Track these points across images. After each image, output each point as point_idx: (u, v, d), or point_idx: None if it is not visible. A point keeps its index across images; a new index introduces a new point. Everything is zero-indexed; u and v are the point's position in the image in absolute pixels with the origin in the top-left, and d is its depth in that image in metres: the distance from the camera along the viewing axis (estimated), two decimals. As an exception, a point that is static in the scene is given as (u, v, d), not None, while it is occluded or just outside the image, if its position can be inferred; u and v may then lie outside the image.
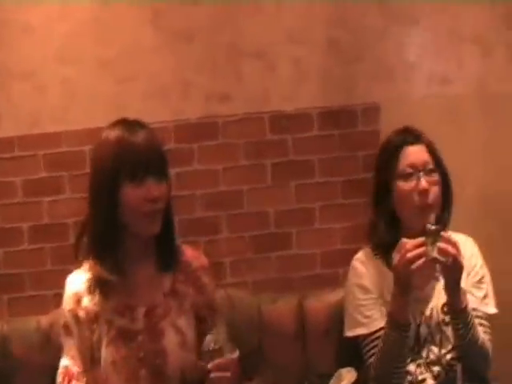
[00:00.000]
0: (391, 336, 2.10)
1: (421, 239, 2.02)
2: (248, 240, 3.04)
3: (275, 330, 2.60)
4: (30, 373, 2.54)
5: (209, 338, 1.78)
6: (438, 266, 2.04)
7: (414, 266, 1.99)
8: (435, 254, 1.99)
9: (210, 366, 1.77)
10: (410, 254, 2.00)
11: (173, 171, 2.93)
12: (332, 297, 2.63)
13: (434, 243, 2.00)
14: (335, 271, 2.99)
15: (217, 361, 1.77)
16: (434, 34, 3.13)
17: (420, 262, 1.99)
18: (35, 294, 2.97)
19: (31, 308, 2.90)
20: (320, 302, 2.66)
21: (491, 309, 2.27)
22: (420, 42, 3.13)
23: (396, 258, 2.06)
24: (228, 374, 1.77)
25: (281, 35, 3.06)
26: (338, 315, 2.50)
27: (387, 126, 2.91)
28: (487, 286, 2.28)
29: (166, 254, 1.92)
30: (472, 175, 3.04)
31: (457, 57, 3.14)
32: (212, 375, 1.76)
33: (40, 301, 2.94)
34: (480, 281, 2.27)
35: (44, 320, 2.62)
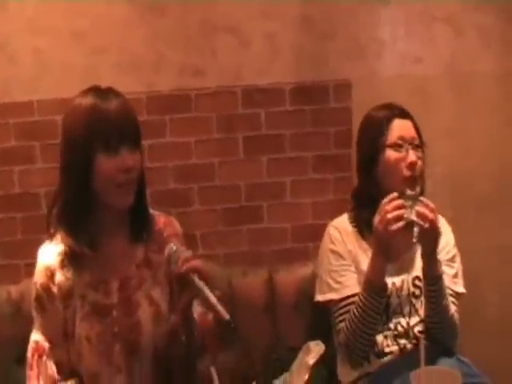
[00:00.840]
0: (367, 301, 2.11)
1: (400, 201, 2.04)
2: (219, 213, 3.03)
3: (245, 304, 2.59)
4: (0, 344, 2.50)
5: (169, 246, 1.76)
6: (415, 232, 2.06)
7: (393, 227, 2.01)
8: (413, 217, 2.00)
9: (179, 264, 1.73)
10: (390, 215, 2.03)
11: (145, 143, 2.82)
12: (302, 271, 2.64)
13: (412, 207, 2.03)
14: (305, 246, 2.99)
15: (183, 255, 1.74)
16: (406, 14, 3.12)
17: (400, 223, 2.00)
18: (6, 264, 2.93)
19: (2, 278, 2.84)
20: (290, 276, 2.66)
21: (460, 288, 2.31)
22: (392, 20, 3.12)
23: (376, 219, 2.06)
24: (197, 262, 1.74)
25: (254, 11, 3.03)
26: (307, 289, 2.52)
27: (358, 103, 2.97)
28: (458, 266, 2.31)
29: (138, 225, 1.88)
30: (441, 154, 3.05)
31: (428, 36, 3.13)
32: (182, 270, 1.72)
33: (11, 271, 2.89)
34: (452, 259, 2.31)
35: (15, 290, 2.59)
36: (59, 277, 1.83)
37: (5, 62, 2.95)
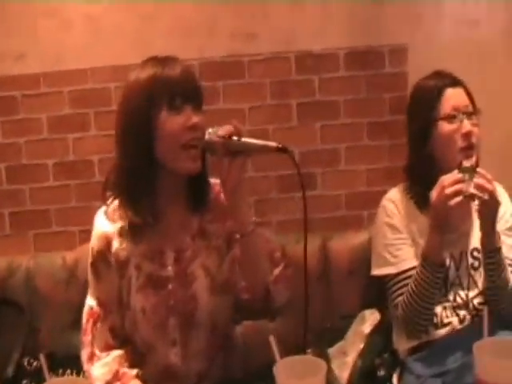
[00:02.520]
0: (424, 276, 2.04)
1: (459, 175, 1.95)
2: (272, 180, 2.99)
3: (299, 271, 2.53)
4: (54, 309, 2.52)
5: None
6: (475, 205, 1.96)
7: (452, 202, 1.94)
8: (472, 189, 1.93)
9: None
10: (448, 190, 1.94)
11: None
12: (356, 239, 2.57)
13: (470, 179, 1.94)
14: (359, 213, 2.95)
15: None
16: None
17: (458, 198, 1.93)
18: (61, 230, 2.95)
19: (57, 244, 2.88)
20: (344, 243, 2.60)
21: None
22: (449, -17, 3.01)
23: (434, 194, 1.98)
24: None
25: (308, -28, 2.95)
26: (361, 257, 2.46)
27: (414, 69, 2.87)
28: None
29: (198, 194, 1.82)
30: (499, 119, 2.93)
31: (485, 0, 3.01)
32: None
33: (65, 237, 2.92)
34: (510, 228, 2.21)
35: (69, 256, 2.58)
36: (116, 245, 1.80)
37: (57, 29, 2.94)
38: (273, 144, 1.66)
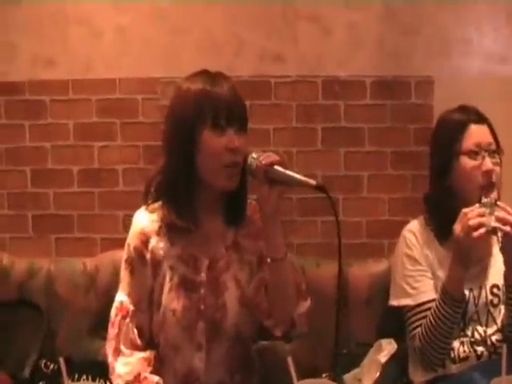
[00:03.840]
0: (443, 309, 2.04)
1: (481, 209, 1.96)
2: (294, 202, 2.99)
3: (317, 295, 2.53)
4: (73, 314, 2.53)
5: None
6: (498, 238, 1.98)
7: (475, 234, 1.94)
8: (494, 223, 1.94)
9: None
10: (471, 222, 1.95)
11: None
12: (376, 267, 2.59)
13: (491, 213, 1.95)
14: (380, 242, 2.95)
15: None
16: (492, 12, 3.03)
17: (482, 230, 1.94)
18: (82, 237, 2.95)
19: (78, 250, 2.89)
20: (363, 270, 2.61)
21: None
22: (479, 18, 3.03)
23: (457, 227, 1.99)
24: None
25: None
26: (380, 286, 2.47)
27: (440, 101, 2.89)
28: None
29: (235, 210, 1.85)
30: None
31: (515, 37, 3.04)
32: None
33: (87, 243, 2.92)
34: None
35: (90, 263, 2.60)
36: (153, 243, 1.82)
37: (88, 37, 2.97)
38: (313, 182, 1.70)
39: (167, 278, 1.81)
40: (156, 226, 1.83)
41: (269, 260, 1.76)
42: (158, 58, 2.94)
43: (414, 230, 2.26)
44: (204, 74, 1.81)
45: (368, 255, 2.79)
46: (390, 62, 3.01)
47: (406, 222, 2.32)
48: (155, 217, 1.84)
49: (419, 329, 2.13)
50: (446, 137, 2.20)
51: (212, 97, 1.74)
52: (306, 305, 1.84)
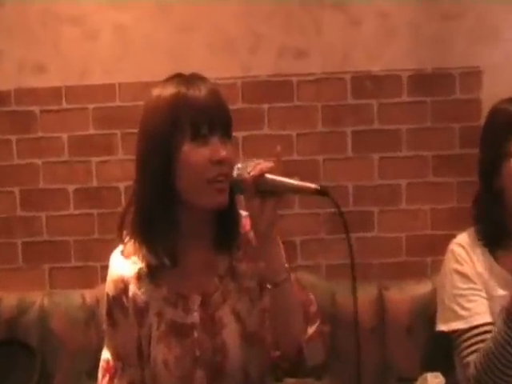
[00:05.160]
0: (507, 335, 2.01)
1: None
2: (322, 217, 3.00)
3: (351, 323, 2.53)
4: (71, 353, 2.55)
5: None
6: None
7: None
8: None
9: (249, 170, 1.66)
10: None
11: (239, 134, 2.95)
12: (417, 289, 2.59)
13: None
14: (422, 260, 2.94)
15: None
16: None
17: None
18: (80, 265, 2.98)
19: (75, 281, 2.92)
20: (403, 294, 2.62)
21: None
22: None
23: None
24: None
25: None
26: (423, 311, 2.49)
27: (489, 95, 2.84)
28: None
29: (226, 230, 1.81)
30: None
31: None
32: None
33: (86, 273, 2.95)
34: None
35: (89, 295, 2.64)
36: (133, 290, 1.79)
37: (83, 39, 3.01)
38: (311, 186, 1.64)
39: (154, 327, 1.78)
40: (135, 268, 1.80)
41: (269, 286, 1.75)
42: (164, 60, 2.96)
43: (463, 243, 2.23)
44: (176, 77, 1.76)
45: (408, 276, 2.79)
46: (428, 53, 3.01)
47: (452, 237, 2.30)
48: (134, 257, 1.80)
49: (474, 355, 2.10)
50: (496, 132, 2.16)
51: (188, 101, 1.69)
52: (312, 329, 1.81)
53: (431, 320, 2.28)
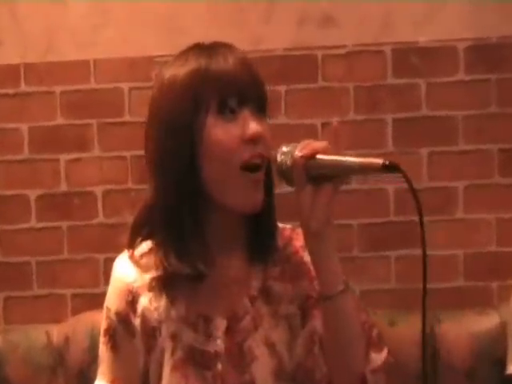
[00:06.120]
0: None
1: None
2: (355, 230, 3.00)
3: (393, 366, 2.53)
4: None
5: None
6: None
7: None
8: None
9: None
10: None
11: None
12: (480, 322, 2.58)
13: None
14: (486, 285, 2.93)
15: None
16: None
17: None
18: (45, 294, 2.96)
19: (39, 314, 2.90)
20: (461, 328, 2.61)
21: None
22: None
23: None
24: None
25: None
26: (487, 350, 2.48)
27: None
28: None
29: (261, 240, 1.81)
30: None
31: None
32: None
33: (52, 304, 2.93)
34: None
35: (57, 332, 2.63)
36: (144, 303, 1.79)
37: (48, 4, 3.02)
38: (377, 161, 1.64)
39: (168, 352, 1.78)
40: (146, 278, 1.80)
41: (322, 299, 1.74)
42: (153, 30, 2.98)
43: None
44: (195, 48, 1.78)
45: (468, 305, 2.79)
46: (491, 18, 3.00)
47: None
48: (146, 263, 1.81)
49: None
50: None
51: (213, 76, 1.70)
52: (381, 357, 1.80)
53: (498, 362, 2.29)
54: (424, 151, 3.01)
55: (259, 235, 1.81)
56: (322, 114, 2.99)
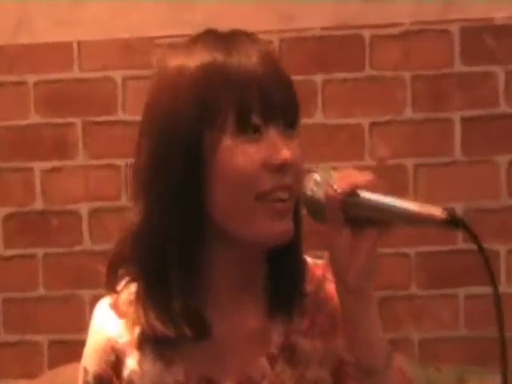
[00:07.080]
0: None
1: None
2: (413, 260, 3.00)
3: None
4: None
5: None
6: None
7: None
8: None
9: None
10: None
11: None
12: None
13: None
14: None
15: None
16: None
17: None
18: (16, 341, 2.98)
19: (9, 365, 2.92)
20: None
21: None
22: None
23: None
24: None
25: None
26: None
27: None
28: None
29: (284, 285, 1.81)
30: None
31: None
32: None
33: (24, 353, 2.94)
34: None
35: (31, 389, 2.62)
36: (131, 366, 1.77)
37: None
38: (439, 213, 1.62)
39: None
40: (135, 331, 1.80)
41: (357, 371, 1.72)
42: (154, 6, 2.97)
43: None
44: (208, 35, 1.78)
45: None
46: None
47: None
48: (132, 314, 1.79)
49: None
50: None
51: (230, 74, 1.69)
52: None
53: None
54: (502, 159, 3.01)
55: (282, 277, 1.79)
56: (370, 111, 3.02)
